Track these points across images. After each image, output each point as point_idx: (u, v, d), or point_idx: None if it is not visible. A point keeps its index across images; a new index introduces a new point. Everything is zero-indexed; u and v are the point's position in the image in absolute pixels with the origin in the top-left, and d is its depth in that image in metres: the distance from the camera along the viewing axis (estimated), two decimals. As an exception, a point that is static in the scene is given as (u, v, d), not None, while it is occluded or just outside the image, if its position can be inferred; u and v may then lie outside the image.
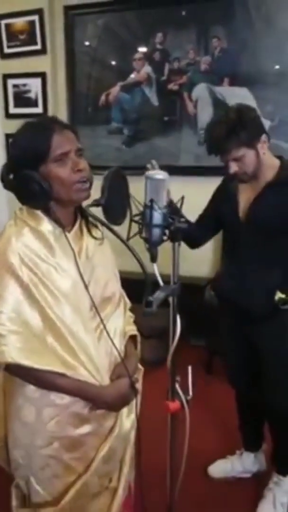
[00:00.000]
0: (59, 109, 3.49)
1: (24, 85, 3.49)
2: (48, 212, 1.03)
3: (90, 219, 1.13)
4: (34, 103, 3.49)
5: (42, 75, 3.41)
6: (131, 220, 0.96)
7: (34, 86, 3.47)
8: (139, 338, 1.23)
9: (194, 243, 1.82)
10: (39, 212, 1.03)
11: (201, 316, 2.56)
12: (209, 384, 2.44)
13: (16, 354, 0.94)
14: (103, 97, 3.34)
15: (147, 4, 3.11)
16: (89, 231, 1.13)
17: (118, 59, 3.27)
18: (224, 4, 2.94)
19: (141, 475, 1.13)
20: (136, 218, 0.95)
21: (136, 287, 1.28)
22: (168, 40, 3.12)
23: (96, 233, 1.14)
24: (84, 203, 1.02)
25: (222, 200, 1.73)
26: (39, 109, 3.48)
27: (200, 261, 3.25)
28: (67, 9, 3.30)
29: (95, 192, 1.00)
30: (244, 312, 1.62)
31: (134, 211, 0.96)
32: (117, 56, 3.27)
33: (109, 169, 0.95)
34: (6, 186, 1.02)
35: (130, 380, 1.07)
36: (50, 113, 3.46)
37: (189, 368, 1.03)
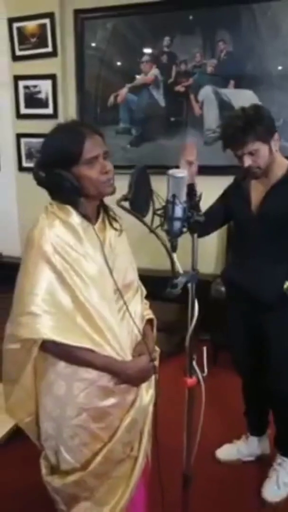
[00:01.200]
0: (69, 110, 3.59)
1: (35, 86, 3.59)
2: (75, 207, 1.14)
3: (111, 213, 1.25)
4: (45, 104, 3.59)
5: (52, 77, 3.51)
6: (154, 213, 1.07)
7: (44, 87, 3.57)
8: (155, 322, 1.34)
9: (202, 232, 1.91)
10: (68, 207, 1.13)
11: (207, 312, 2.67)
12: (215, 376, 2.54)
13: (49, 331, 1.05)
14: (111, 98, 3.44)
15: (155, 9, 3.20)
16: (110, 224, 1.24)
17: (126, 61, 3.37)
18: (230, 9, 3.03)
19: (158, 445, 1.24)
20: (159, 212, 1.06)
21: (150, 283, 1.39)
22: (175, 44, 3.22)
23: (116, 225, 1.26)
24: (113, 198, 1.13)
25: (235, 196, 1.83)
26: (49, 110, 3.58)
27: (206, 258, 3.35)
28: (77, 12, 3.39)
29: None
30: (253, 301, 1.72)
31: (156, 205, 1.07)
32: (125, 58, 3.36)
33: (135, 167, 1.06)
34: (40, 183, 1.13)
35: (150, 357, 1.18)
36: (60, 113, 3.57)
37: (204, 348, 1.14)
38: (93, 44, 3.42)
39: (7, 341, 1.11)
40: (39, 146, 4.08)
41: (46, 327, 1.05)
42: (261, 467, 2.01)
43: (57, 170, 1.09)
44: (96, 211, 1.20)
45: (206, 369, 1.11)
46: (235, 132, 1.58)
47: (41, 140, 3.52)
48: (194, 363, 1.13)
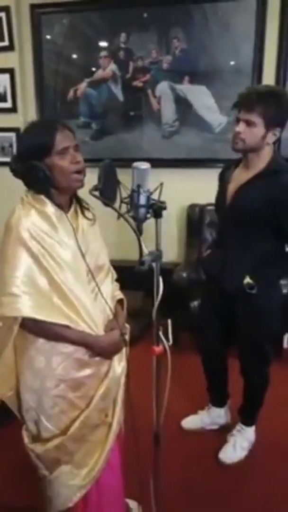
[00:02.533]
0: (28, 104, 3.62)
1: (-7, 80, 3.59)
2: (49, 197, 1.24)
3: (83, 203, 1.37)
4: (3, 98, 3.60)
5: (10, 71, 3.52)
6: (122, 202, 1.19)
7: (2, 81, 3.57)
8: (125, 302, 1.47)
9: None
10: (43, 197, 1.23)
11: (170, 297, 2.84)
12: (178, 357, 2.71)
13: (29, 310, 1.15)
14: (71, 93, 3.50)
15: (110, 5, 3.29)
16: (82, 212, 1.35)
17: (84, 56, 3.43)
18: (182, 8, 3.18)
19: (131, 408, 1.37)
20: (126, 200, 1.19)
21: (118, 273, 1.51)
22: (132, 40, 3.33)
23: (88, 214, 1.37)
24: (85, 189, 1.23)
25: (218, 186, 1.92)
26: (8, 104, 3.59)
27: (167, 247, 3.51)
28: (33, 7, 3.42)
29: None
30: (224, 290, 1.84)
31: (123, 195, 1.20)
32: (83, 53, 3.43)
33: (103, 161, 1.18)
34: (16, 174, 1.22)
35: (120, 331, 1.31)
36: (20, 107, 3.59)
37: (169, 321, 1.29)
38: (51, 39, 3.45)
39: (-11, 321, 1.20)
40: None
41: (26, 306, 1.15)
42: (222, 435, 2.20)
43: (31, 161, 1.18)
44: (68, 202, 1.31)
45: (171, 339, 1.25)
46: (253, 96, 1.59)
47: (0, 134, 3.65)
48: (160, 333, 1.27)
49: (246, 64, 3.15)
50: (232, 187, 1.81)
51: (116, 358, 1.33)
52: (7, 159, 4.05)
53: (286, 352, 3.01)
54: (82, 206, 1.35)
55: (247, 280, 1.75)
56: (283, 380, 2.63)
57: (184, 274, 3.03)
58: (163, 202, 1.20)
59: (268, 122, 1.60)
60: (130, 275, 1.54)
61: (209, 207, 3.20)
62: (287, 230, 1.72)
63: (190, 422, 2.26)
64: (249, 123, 1.62)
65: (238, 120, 1.67)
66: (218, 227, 2.01)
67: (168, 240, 3.46)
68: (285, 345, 3.03)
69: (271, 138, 1.66)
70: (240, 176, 1.79)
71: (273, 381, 2.08)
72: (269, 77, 3.16)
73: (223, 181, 1.88)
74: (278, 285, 1.93)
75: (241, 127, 1.64)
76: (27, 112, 3.63)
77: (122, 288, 1.51)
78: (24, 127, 1.24)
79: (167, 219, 3.76)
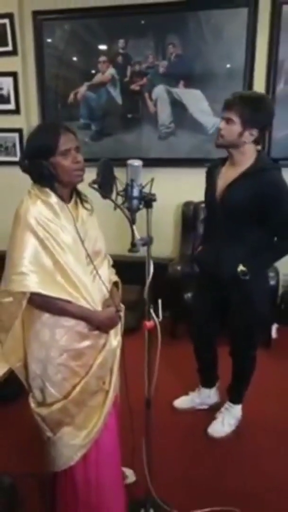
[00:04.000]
0: (31, 106, 3.79)
1: (-3, 83, 3.76)
2: (53, 190, 1.42)
3: (83, 196, 1.54)
4: (7, 100, 3.77)
5: (13, 75, 3.70)
6: (117, 194, 1.36)
7: (6, 84, 3.75)
8: (120, 284, 1.64)
9: None
10: (47, 189, 1.40)
11: (166, 291, 3.00)
12: (173, 347, 2.89)
13: (36, 286, 1.31)
14: (71, 96, 3.68)
15: (109, 13, 3.46)
16: (81, 204, 1.52)
17: (84, 61, 3.61)
18: (178, 15, 3.36)
19: (126, 378, 1.55)
20: (121, 193, 1.36)
21: (122, 269, 1.68)
22: (130, 46, 3.51)
23: (87, 205, 1.54)
24: (84, 183, 1.41)
25: (207, 182, 2.07)
26: (11, 106, 3.77)
27: (162, 243, 3.68)
28: (36, 14, 3.60)
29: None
30: (216, 279, 2.02)
31: (119, 188, 1.37)
32: (83, 58, 3.61)
33: (101, 159, 1.36)
34: (24, 170, 1.40)
35: (116, 308, 1.49)
36: (22, 109, 3.77)
37: (159, 300, 1.46)
38: (52, 44, 3.62)
39: (1, 296, 1.37)
40: (2, 140, 4.24)
41: (33, 283, 1.32)
42: (211, 413, 2.38)
43: (38, 160, 1.36)
44: (69, 194, 1.48)
45: (161, 315, 1.43)
46: (235, 98, 1.80)
47: (4, 134, 3.89)
48: (151, 310, 1.45)
49: (238, 69, 3.33)
50: (221, 184, 1.96)
51: (112, 332, 1.50)
52: (11, 159, 4.24)
53: (274, 342, 3.19)
54: (81, 198, 1.53)
55: (241, 267, 1.91)
56: (271, 368, 2.83)
57: (179, 268, 3.20)
58: (153, 195, 1.37)
59: (244, 121, 1.79)
60: (126, 270, 1.72)
61: (203, 205, 3.35)
62: (275, 223, 1.90)
63: (182, 402, 2.44)
64: (228, 121, 1.81)
65: (221, 118, 1.87)
66: (207, 222, 2.15)
67: (163, 236, 3.63)
68: (273, 335, 3.20)
69: (248, 137, 1.83)
70: (227, 174, 1.95)
71: (262, 368, 2.27)
72: (259, 81, 3.34)
73: (211, 178, 2.03)
74: (266, 273, 2.13)
75: (222, 124, 1.84)
76: (30, 114, 3.81)
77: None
78: (32, 130, 1.41)
79: (163, 215, 3.92)
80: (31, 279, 1.32)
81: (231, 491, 1.90)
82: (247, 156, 1.88)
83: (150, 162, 3.77)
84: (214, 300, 2.15)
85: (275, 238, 2.00)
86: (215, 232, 2.03)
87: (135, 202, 1.36)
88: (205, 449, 2.17)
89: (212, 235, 2.07)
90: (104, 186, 1.33)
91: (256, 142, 1.88)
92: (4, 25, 3.62)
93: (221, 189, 1.95)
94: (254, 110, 1.79)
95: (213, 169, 2.05)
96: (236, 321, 2.10)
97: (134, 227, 1.34)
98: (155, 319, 1.45)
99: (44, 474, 1.68)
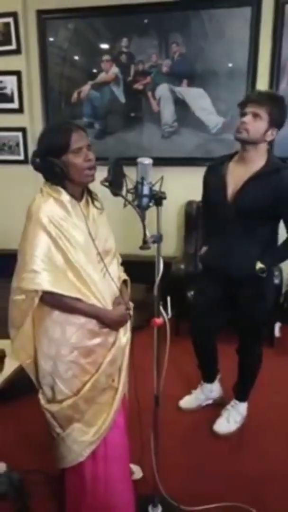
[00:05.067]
0: (34, 105, 3.80)
1: (0, 82, 3.77)
2: (64, 188, 1.43)
3: (94, 195, 1.55)
4: (11, 99, 3.78)
5: (17, 73, 3.71)
6: (128, 192, 1.37)
7: (9, 83, 3.76)
8: (129, 282, 1.66)
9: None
10: (59, 188, 1.41)
11: (169, 289, 3.01)
12: (176, 345, 2.89)
13: (48, 284, 1.32)
14: (75, 95, 3.69)
15: (113, 12, 3.47)
16: (92, 202, 1.53)
17: (87, 60, 3.62)
18: (181, 14, 3.37)
19: (134, 376, 1.56)
20: (131, 191, 1.37)
21: (129, 268, 1.69)
22: (133, 45, 3.52)
23: (97, 204, 1.55)
24: (95, 182, 1.42)
25: (211, 180, 2.04)
26: (15, 105, 3.77)
27: (166, 242, 3.68)
28: (40, 13, 3.60)
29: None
30: (229, 278, 2.01)
31: (129, 186, 1.38)
32: (86, 57, 3.61)
33: (111, 157, 1.36)
34: (36, 168, 1.41)
35: (126, 306, 1.50)
36: (26, 108, 3.77)
37: (168, 298, 1.47)
38: (56, 43, 3.63)
39: (14, 293, 1.38)
40: (6, 139, 4.26)
41: (45, 281, 1.33)
42: (216, 411, 2.39)
43: (50, 158, 1.37)
44: (81, 192, 1.49)
45: (170, 312, 1.44)
46: (263, 94, 1.84)
47: (8, 133, 3.90)
48: (161, 307, 1.46)
49: (241, 68, 3.34)
50: (233, 183, 1.92)
51: (121, 330, 1.51)
52: (14, 157, 4.25)
53: (277, 341, 3.20)
54: (92, 197, 1.53)
55: (259, 265, 1.91)
56: (274, 366, 2.84)
57: (182, 266, 3.22)
58: (163, 193, 1.38)
59: (272, 119, 1.80)
60: (132, 269, 1.73)
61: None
62: None
63: (187, 402, 2.45)
64: (256, 115, 1.79)
65: (243, 114, 1.83)
66: (211, 221, 2.10)
67: (167, 235, 3.62)
68: (276, 334, 3.21)
69: (269, 136, 1.84)
70: (238, 172, 1.92)
71: (266, 366, 2.28)
72: (263, 81, 3.35)
73: (216, 176, 1.99)
74: (273, 269, 2.14)
75: (248, 118, 1.80)
76: (33, 113, 3.81)
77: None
78: (44, 128, 1.43)
79: (166, 215, 3.94)
80: (43, 277, 1.33)
81: (237, 487, 1.92)
82: (260, 155, 1.88)
83: (153, 161, 3.82)
84: (219, 298, 2.14)
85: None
86: (224, 230, 2.00)
87: (145, 200, 1.37)
88: (211, 445, 2.19)
89: (220, 234, 2.03)
90: (115, 183, 1.34)
91: (270, 142, 1.90)
92: (8, 24, 3.63)
93: (234, 188, 1.92)
94: (282, 110, 1.82)
95: (217, 167, 2.02)
96: (245, 317, 2.10)
97: (145, 225, 1.35)
98: (164, 316, 1.46)
99: (53, 470, 1.69)
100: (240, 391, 2.32)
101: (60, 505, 1.70)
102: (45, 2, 3.56)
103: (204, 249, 2.23)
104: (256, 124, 1.80)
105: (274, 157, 1.95)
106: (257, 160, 1.88)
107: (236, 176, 1.93)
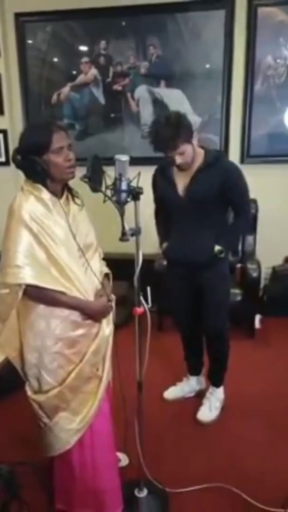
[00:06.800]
0: (14, 107, 3.83)
1: (-21, 85, 3.78)
2: (46, 186, 1.48)
3: (74, 192, 1.61)
4: (-10, 102, 3.81)
5: (-4, 76, 3.74)
6: (107, 188, 1.44)
7: (-12, 85, 3.78)
8: (111, 275, 1.72)
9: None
10: (39, 185, 1.46)
11: (152, 286, 3.08)
12: (159, 339, 2.98)
13: (31, 278, 1.38)
14: (55, 96, 3.74)
15: (90, 14, 3.53)
16: (73, 199, 1.59)
17: (66, 62, 3.67)
18: (157, 18, 3.45)
19: (119, 367, 1.63)
20: (110, 187, 1.43)
21: (111, 266, 1.74)
22: (111, 47, 3.59)
23: (77, 201, 1.61)
24: (75, 179, 1.48)
25: (161, 182, 2.19)
26: (-6, 107, 3.80)
27: (148, 241, 3.73)
28: (18, 16, 3.65)
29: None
30: (190, 265, 2.15)
31: (107, 183, 1.45)
32: (65, 59, 3.67)
33: (89, 155, 1.42)
34: (17, 166, 1.46)
35: (107, 298, 1.56)
36: (6, 110, 3.80)
37: (148, 288, 1.54)
38: (35, 46, 3.67)
39: (-1, 288, 1.44)
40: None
41: (28, 275, 1.38)
42: (197, 400, 2.47)
43: (31, 156, 1.42)
44: (61, 190, 1.55)
45: (150, 302, 1.51)
46: (166, 140, 1.92)
47: None
48: (141, 297, 1.53)
49: (217, 69, 3.45)
50: (181, 180, 2.10)
51: (104, 321, 1.58)
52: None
53: (258, 332, 3.31)
54: (72, 194, 1.59)
55: (217, 247, 2.11)
56: (255, 356, 2.95)
57: (164, 262, 3.28)
58: (140, 188, 1.45)
59: (188, 140, 1.97)
60: (116, 266, 1.79)
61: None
62: (238, 205, 2.17)
63: (171, 392, 2.53)
64: (181, 153, 1.97)
65: (170, 157, 1.98)
66: (172, 215, 2.22)
67: (148, 234, 3.69)
68: (256, 326, 3.32)
69: (194, 141, 2.02)
70: (184, 172, 2.07)
71: (246, 356, 2.39)
72: (238, 81, 3.46)
73: (166, 177, 2.16)
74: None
75: (179, 160, 1.98)
76: (13, 115, 3.84)
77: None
78: (26, 127, 1.48)
79: (146, 213, 4.00)
80: (26, 272, 1.38)
81: (220, 469, 2.00)
82: (197, 153, 2.06)
83: (133, 160, 3.88)
84: (189, 290, 2.26)
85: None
86: (180, 224, 2.18)
87: (123, 195, 1.43)
88: (194, 432, 2.27)
89: (177, 228, 2.21)
90: (94, 180, 1.40)
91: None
92: (-15, 27, 3.65)
93: (183, 184, 2.09)
94: (185, 125, 1.93)
95: (164, 168, 2.16)
96: (207, 298, 2.21)
97: (124, 220, 1.42)
98: (144, 306, 1.53)
99: (41, 461, 1.74)
100: (215, 377, 2.42)
101: (50, 494, 1.75)
102: (23, 5, 3.61)
103: (165, 244, 2.33)
104: (185, 155, 1.98)
105: (210, 149, 2.12)
106: (197, 158, 2.05)
107: (182, 175, 2.09)
